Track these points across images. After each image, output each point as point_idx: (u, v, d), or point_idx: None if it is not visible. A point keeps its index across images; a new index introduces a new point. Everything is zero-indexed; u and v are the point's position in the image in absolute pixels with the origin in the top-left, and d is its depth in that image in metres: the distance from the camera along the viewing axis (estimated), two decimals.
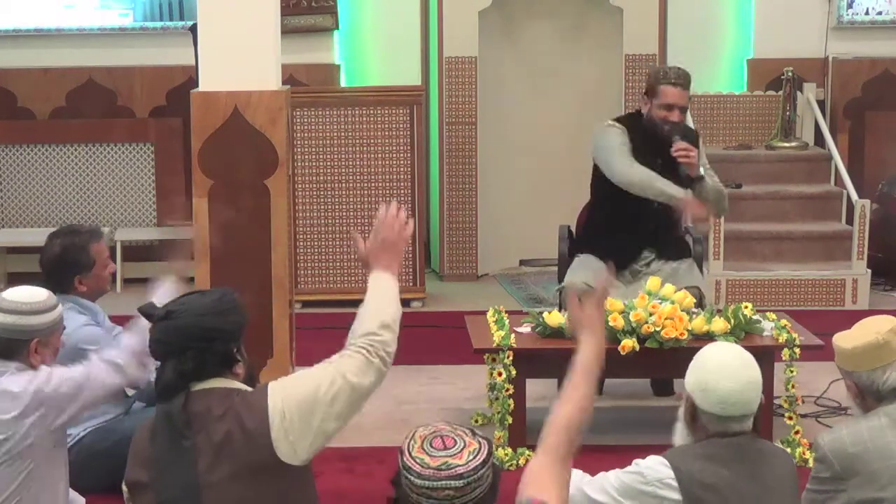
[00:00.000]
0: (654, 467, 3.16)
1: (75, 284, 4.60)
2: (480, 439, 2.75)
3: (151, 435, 3.09)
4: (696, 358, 3.25)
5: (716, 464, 3.13)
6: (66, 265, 4.60)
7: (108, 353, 3.98)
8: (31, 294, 3.73)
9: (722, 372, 3.16)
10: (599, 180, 5.77)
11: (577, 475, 3.35)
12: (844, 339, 3.46)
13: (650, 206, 5.62)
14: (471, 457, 2.69)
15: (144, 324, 3.98)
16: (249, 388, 3.15)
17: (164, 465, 3.02)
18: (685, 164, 5.53)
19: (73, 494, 4.11)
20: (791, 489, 3.23)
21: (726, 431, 3.17)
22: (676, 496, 3.10)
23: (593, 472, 3.38)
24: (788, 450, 4.94)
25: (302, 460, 3.04)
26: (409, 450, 2.70)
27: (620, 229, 5.69)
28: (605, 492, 3.21)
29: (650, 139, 5.64)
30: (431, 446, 2.70)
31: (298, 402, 3.06)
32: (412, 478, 2.65)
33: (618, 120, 5.85)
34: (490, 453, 2.73)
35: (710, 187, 5.61)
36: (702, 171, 5.60)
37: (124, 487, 3.16)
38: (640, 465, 3.20)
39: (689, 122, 7.98)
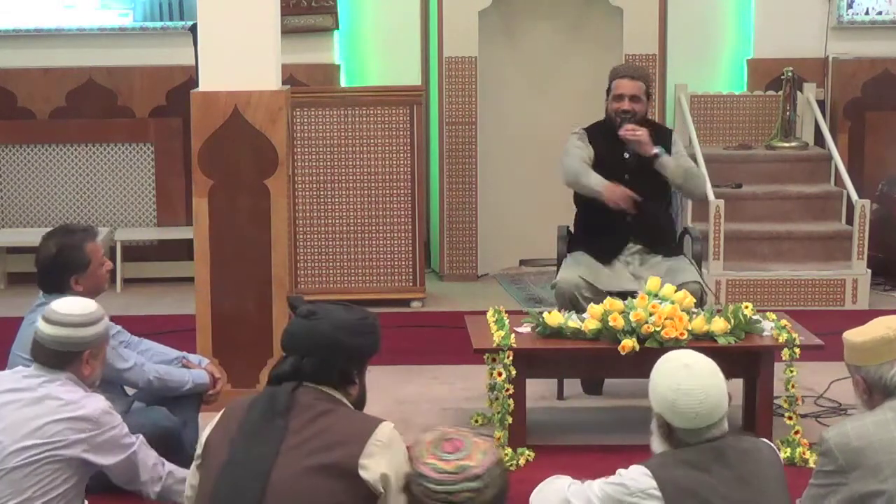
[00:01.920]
0: (637, 478, 3.15)
1: (71, 285, 4.57)
2: (486, 438, 2.76)
3: (250, 404, 3.14)
4: (654, 375, 3.24)
5: (698, 470, 3.12)
6: (61, 266, 4.56)
7: (153, 454, 3.93)
8: (82, 306, 3.76)
9: (683, 388, 3.14)
10: None
11: (563, 483, 3.35)
12: (855, 334, 3.48)
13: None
14: (483, 456, 2.70)
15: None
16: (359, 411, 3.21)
17: (250, 432, 3.07)
18: (633, 143, 5.71)
19: None
20: (778, 485, 3.22)
21: (704, 439, 3.17)
22: None
23: (593, 473, 3.38)
24: (788, 450, 4.94)
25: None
26: (419, 458, 2.70)
27: (602, 224, 5.83)
28: (588, 502, 3.22)
29: (615, 138, 5.80)
30: (442, 451, 2.70)
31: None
32: (429, 485, 2.65)
33: (586, 128, 5.99)
34: (498, 450, 2.74)
35: (673, 165, 5.76)
36: (657, 149, 5.73)
37: (198, 450, 3.20)
38: (622, 475, 3.19)
39: (689, 120, 8.07)
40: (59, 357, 3.71)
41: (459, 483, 2.65)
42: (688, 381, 3.16)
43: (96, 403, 3.70)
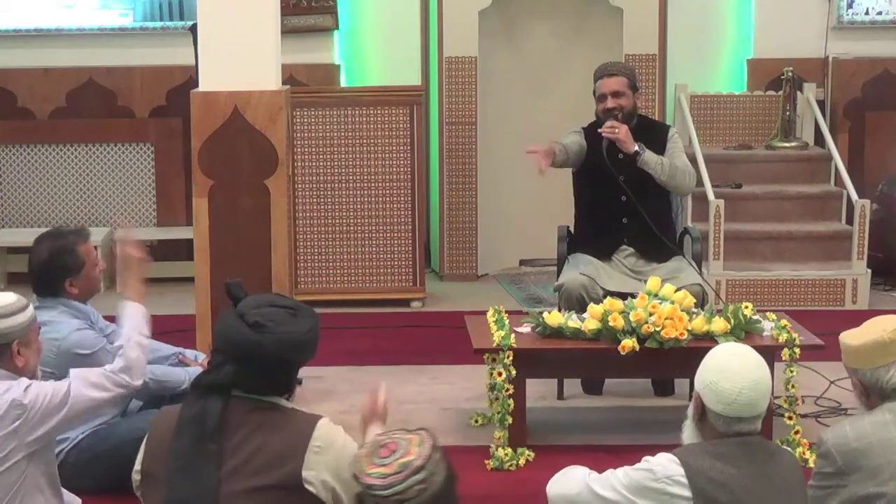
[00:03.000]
0: (664, 464, 3.15)
1: (66, 288, 4.55)
2: (417, 431, 2.77)
3: (177, 428, 3.00)
4: (707, 357, 3.25)
5: (726, 462, 3.13)
6: (55, 270, 4.54)
7: (95, 373, 3.94)
8: (2, 298, 3.70)
9: (731, 373, 3.16)
10: (573, 180, 6.02)
11: (582, 472, 3.35)
12: (851, 337, 3.47)
13: (617, 200, 5.79)
14: (420, 448, 2.71)
15: (135, 342, 4.10)
16: (289, 405, 3.10)
17: (184, 463, 2.96)
18: (613, 140, 5.69)
19: (70, 496, 4.10)
20: (800, 492, 3.24)
21: (735, 432, 3.17)
22: (686, 493, 3.09)
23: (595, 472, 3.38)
24: (788, 450, 4.94)
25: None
26: (361, 472, 2.71)
27: (597, 224, 5.87)
28: (612, 488, 3.21)
29: (611, 141, 5.78)
30: (379, 457, 2.72)
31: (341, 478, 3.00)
32: (378, 492, 2.66)
33: (584, 128, 5.98)
34: (433, 437, 2.74)
35: (655, 162, 5.70)
36: (637, 147, 5.70)
37: (135, 476, 3.09)
38: (650, 461, 3.19)
39: (689, 120, 8.06)
40: None
41: (406, 480, 2.66)
42: (736, 367, 3.18)
43: (16, 389, 3.65)
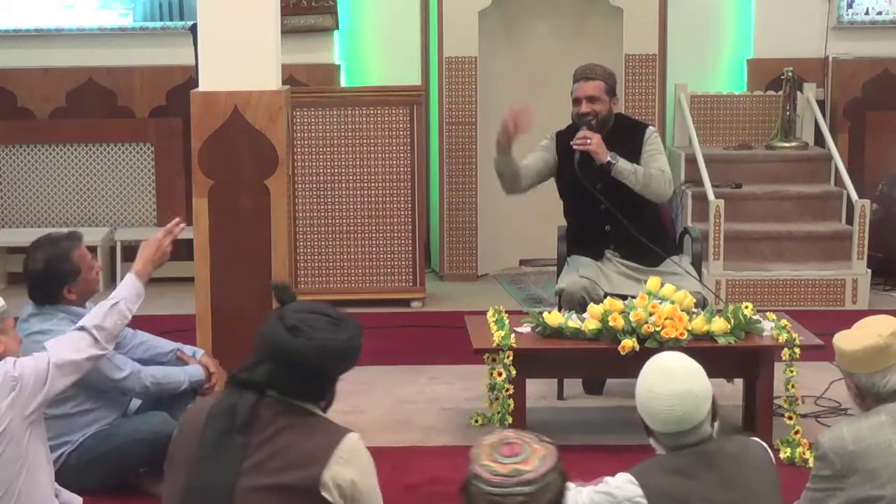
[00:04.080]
0: (623, 486, 3.14)
1: (64, 294, 4.55)
2: (547, 444, 2.76)
3: (208, 417, 3.03)
4: (639, 377, 3.24)
5: (684, 476, 3.12)
6: (52, 278, 4.54)
7: (69, 336, 4.10)
8: None
9: (658, 391, 3.15)
10: (556, 186, 6.02)
11: None
12: (845, 341, 3.45)
13: (596, 208, 5.73)
14: (539, 462, 2.70)
15: (117, 296, 4.27)
16: (322, 415, 3.10)
17: (208, 451, 2.97)
18: (585, 152, 5.62)
19: (70, 495, 4.11)
20: (767, 486, 3.21)
21: (680, 445, 3.17)
22: None
23: (593, 473, 3.38)
24: (788, 450, 4.94)
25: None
26: (477, 459, 2.71)
27: (581, 231, 5.85)
28: None
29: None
30: (499, 454, 2.71)
31: (364, 498, 3.01)
32: (482, 485, 2.66)
33: (559, 132, 5.95)
34: (558, 458, 2.73)
35: (628, 171, 5.62)
36: (609, 157, 5.61)
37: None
38: (609, 484, 3.18)
39: (689, 120, 8.06)
40: None
41: (511, 487, 2.66)
42: (661, 386, 3.15)
43: (4, 365, 3.73)
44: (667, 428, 3.15)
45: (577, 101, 5.76)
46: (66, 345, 4.01)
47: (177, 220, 4.78)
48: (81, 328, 4.13)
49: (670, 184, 5.76)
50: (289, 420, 3.01)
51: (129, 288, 4.44)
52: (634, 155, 5.70)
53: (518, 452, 2.72)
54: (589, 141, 5.61)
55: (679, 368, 3.19)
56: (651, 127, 6.05)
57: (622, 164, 5.63)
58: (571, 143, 5.65)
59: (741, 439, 3.39)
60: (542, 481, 2.68)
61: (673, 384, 3.15)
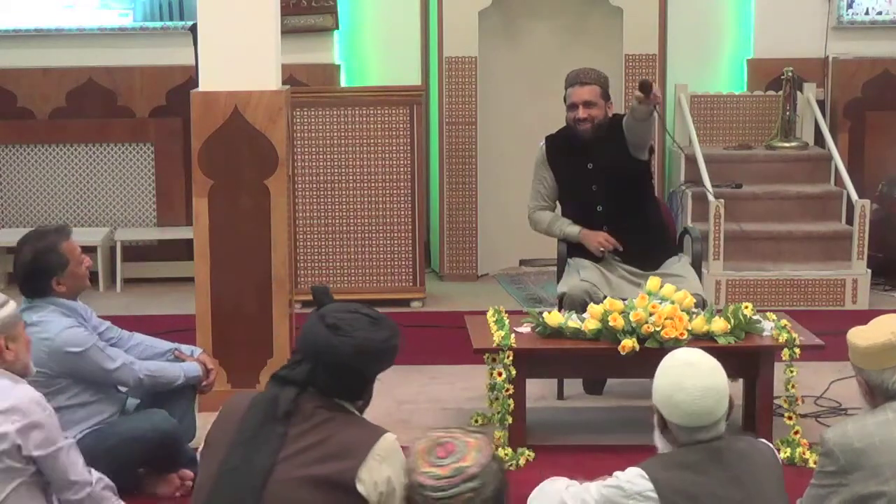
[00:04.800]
0: (633, 480, 3.15)
1: (53, 286, 4.53)
2: (477, 435, 2.76)
3: (251, 403, 3.08)
4: (660, 369, 3.26)
5: (694, 472, 3.13)
6: (40, 270, 4.53)
7: (93, 475, 3.88)
8: None
9: (684, 384, 3.16)
10: None
11: (561, 485, 3.35)
12: (858, 337, 3.46)
13: (593, 210, 5.76)
14: (477, 454, 2.70)
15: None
16: (361, 416, 3.15)
17: (248, 437, 3.02)
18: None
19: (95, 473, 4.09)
20: (775, 485, 3.22)
21: (696, 440, 3.17)
22: None
23: (594, 473, 3.38)
24: (788, 450, 4.94)
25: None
26: (415, 467, 2.71)
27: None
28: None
29: (578, 148, 5.75)
30: (436, 457, 2.71)
31: (397, 496, 3.01)
32: (429, 493, 2.66)
33: (550, 137, 5.94)
34: (493, 446, 2.74)
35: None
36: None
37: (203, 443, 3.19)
38: (619, 478, 3.19)
39: (689, 120, 8.06)
40: None
41: (458, 486, 2.66)
42: (688, 378, 3.17)
43: (23, 392, 3.66)
44: (689, 422, 3.15)
45: (573, 106, 5.73)
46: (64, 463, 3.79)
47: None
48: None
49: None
50: (328, 414, 3.06)
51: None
52: (623, 144, 5.68)
53: (453, 451, 2.72)
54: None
55: (703, 363, 3.22)
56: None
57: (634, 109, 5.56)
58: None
59: (749, 439, 3.42)
60: (485, 473, 2.68)
61: (699, 378, 3.17)
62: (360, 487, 2.96)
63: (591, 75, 5.80)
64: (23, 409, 3.62)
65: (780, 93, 8.20)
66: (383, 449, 3.02)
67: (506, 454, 4.91)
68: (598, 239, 5.70)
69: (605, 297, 5.39)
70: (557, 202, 5.97)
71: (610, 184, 5.70)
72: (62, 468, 3.72)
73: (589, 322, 5.06)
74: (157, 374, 4.70)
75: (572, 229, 5.78)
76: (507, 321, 5.22)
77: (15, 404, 3.61)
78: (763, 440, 3.42)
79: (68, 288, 4.59)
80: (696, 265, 5.88)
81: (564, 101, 5.82)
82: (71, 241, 4.64)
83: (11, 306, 3.78)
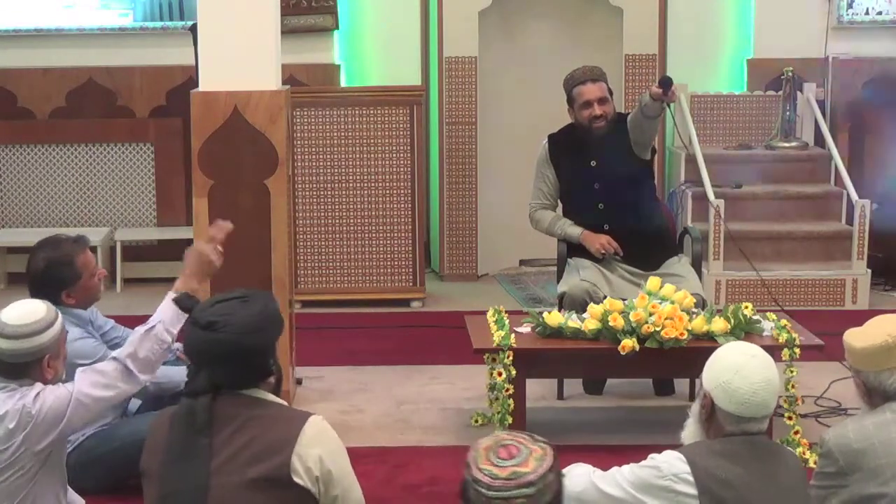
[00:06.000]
0: (671, 461, 3.15)
1: (63, 298, 4.50)
2: (543, 444, 2.76)
3: (170, 424, 3.07)
4: (716, 356, 3.25)
5: (732, 461, 3.12)
6: (51, 280, 4.50)
7: (102, 367, 3.88)
8: (33, 311, 3.64)
9: (746, 372, 3.16)
10: None
11: (586, 469, 3.34)
12: (855, 338, 3.46)
13: (594, 208, 5.76)
14: (537, 463, 2.70)
15: (153, 321, 3.99)
16: (280, 401, 3.14)
17: (175, 457, 3.01)
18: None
19: (74, 495, 4.10)
20: (802, 492, 3.24)
21: (743, 431, 3.17)
22: (693, 490, 3.09)
23: None
24: (790, 449, 4.94)
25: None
26: (475, 463, 2.72)
27: (582, 227, 5.80)
28: (618, 485, 3.20)
29: (582, 146, 5.75)
30: (497, 457, 2.72)
31: (335, 475, 3.05)
32: (483, 490, 2.67)
33: (552, 136, 5.94)
34: (555, 457, 2.74)
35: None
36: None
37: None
38: (655, 459, 3.19)
39: (689, 120, 8.06)
40: (19, 368, 3.63)
41: (513, 490, 2.67)
42: (749, 369, 3.17)
43: (26, 397, 3.61)
44: (744, 411, 3.15)
45: (587, 105, 5.72)
46: (93, 378, 3.79)
47: (219, 222, 4.35)
48: (114, 359, 3.89)
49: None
50: (247, 414, 3.04)
51: (167, 310, 3.99)
52: (626, 143, 5.68)
53: (515, 454, 2.72)
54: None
55: (762, 355, 3.23)
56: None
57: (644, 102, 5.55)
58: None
59: (780, 444, 3.46)
60: (542, 482, 2.69)
61: (761, 369, 3.18)
62: (296, 479, 2.98)
63: (597, 72, 5.84)
64: (28, 409, 3.60)
65: (780, 93, 8.21)
66: (308, 436, 3.03)
67: None
68: (601, 241, 5.69)
69: (605, 296, 5.39)
70: (559, 201, 5.97)
71: (612, 182, 5.70)
72: (95, 404, 3.74)
73: (589, 322, 5.06)
74: (161, 380, 4.68)
75: (574, 230, 5.78)
76: (507, 321, 5.22)
77: (25, 410, 3.59)
78: (788, 448, 3.43)
79: (78, 300, 4.58)
80: (696, 265, 5.88)
81: (569, 102, 5.80)
82: (87, 253, 4.61)
83: (60, 323, 3.70)
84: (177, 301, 3.28)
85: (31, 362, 3.63)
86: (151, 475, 3.07)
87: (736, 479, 3.09)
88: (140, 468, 3.13)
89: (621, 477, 3.21)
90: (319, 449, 3.02)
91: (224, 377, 3.06)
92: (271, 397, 3.13)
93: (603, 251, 5.69)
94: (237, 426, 3.02)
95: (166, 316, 3.98)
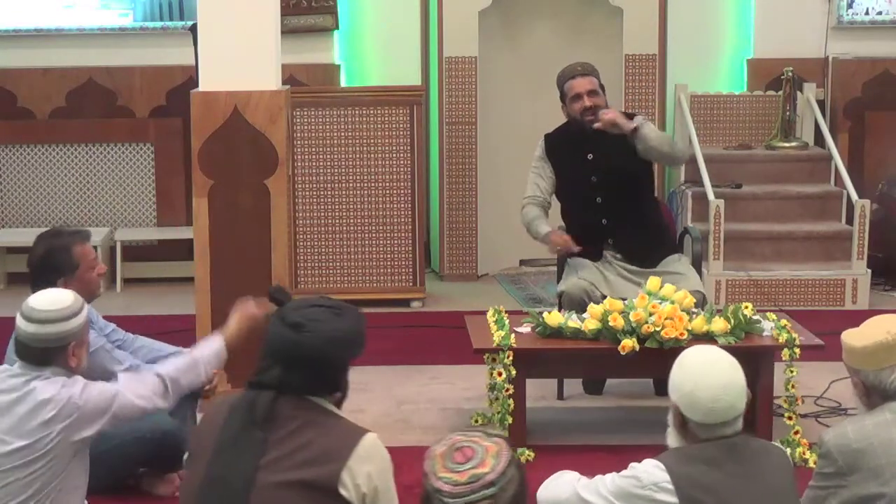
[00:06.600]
0: (650, 471, 3.15)
1: (59, 287, 4.53)
2: (496, 439, 2.75)
3: (230, 409, 3.06)
4: (676, 366, 3.24)
5: (711, 466, 3.12)
6: (48, 268, 4.50)
7: (144, 378, 3.93)
8: (60, 299, 3.68)
9: (704, 381, 3.15)
10: None
11: (572, 476, 3.35)
12: (854, 337, 3.45)
13: (593, 203, 5.75)
14: (495, 461, 2.69)
15: (201, 356, 4.07)
16: (341, 413, 3.14)
17: (227, 444, 3.00)
18: (613, 127, 5.57)
19: None
20: (788, 487, 3.23)
21: (717, 436, 3.17)
22: (673, 499, 3.09)
23: (593, 473, 3.38)
24: (788, 450, 4.94)
25: None
26: (433, 472, 2.70)
27: (581, 226, 5.80)
28: (599, 495, 3.21)
29: (577, 140, 5.76)
30: (454, 462, 2.70)
31: (381, 493, 3.04)
32: (446, 499, 2.65)
33: (548, 134, 5.94)
34: (512, 450, 2.73)
35: (655, 134, 5.63)
36: (636, 122, 5.58)
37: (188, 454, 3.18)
38: (635, 468, 3.19)
39: (689, 120, 8.05)
40: (45, 354, 3.65)
41: (476, 493, 2.65)
42: (707, 377, 3.16)
43: (73, 387, 3.65)
44: (710, 419, 3.15)
45: (577, 98, 5.74)
46: (136, 387, 3.85)
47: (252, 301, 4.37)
48: (159, 375, 3.95)
49: (686, 146, 5.81)
50: (307, 417, 3.04)
51: (212, 351, 4.14)
52: (628, 145, 5.68)
53: (471, 456, 2.71)
54: (609, 114, 5.63)
55: (721, 360, 3.22)
56: (639, 115, 5.91)
57: (647, 128, 5.60)
58: (596, 126, 5.63)
59: (763, 441, 3.41)
60: (503, 479, 2.67)
61: (719, 375, 3.17)
62: (342, 491, 2.96)
63: (587, 67, 5.88)
64: (74, 401, 3.63)
65: (780, 93, 8.21)
66: (364, 450, 3.01)
67: None
68: (558, 243, 5.67)
69: (603, 296, 5.40)
70: (553, 196, 5.95)
71: (609, 175, 5.70)
72: (131, 408, 3.78)
73: (589, 322, 5.06)
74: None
75: (543, 228, 5.74)
76: (507, 321, 5.22)
77: (68, 400, 3.63)
78: (776, 444, 3.41)
79: (76, 292, 4.57)
80: (696, 265, 5.87)
81: (562, 98, 5.82)
82: (86, 245, 4.61)
83: (85, 311, 3.74)
84: (270, 294, 3.29)
85: (56, 349, 3.65)
86: (199, 456, 3.05)
87: (716, 484, 3.09)
88: (189, 447, 3.13)
89: (603, 486, 3.22)
90: (371, 466, 3.01)
91: (295, 379, 3.04)
92: (333, 408, 3.12)
93: (559, 248, 5.67)
94: (294, 427, 3.01)
95: (210, 357, 4.13)
